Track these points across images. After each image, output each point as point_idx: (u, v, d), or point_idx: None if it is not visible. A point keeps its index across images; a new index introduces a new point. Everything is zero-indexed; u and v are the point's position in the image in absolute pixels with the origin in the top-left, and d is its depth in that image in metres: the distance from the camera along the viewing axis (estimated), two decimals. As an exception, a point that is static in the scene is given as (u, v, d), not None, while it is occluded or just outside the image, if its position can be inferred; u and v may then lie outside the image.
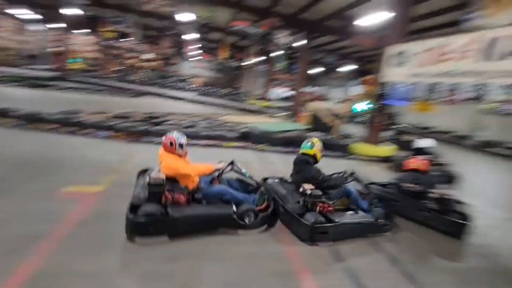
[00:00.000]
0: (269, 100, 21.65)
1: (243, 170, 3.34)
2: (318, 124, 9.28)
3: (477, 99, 14.95)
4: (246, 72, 31.31)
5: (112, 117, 6.86)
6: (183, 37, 21.59)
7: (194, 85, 30.73)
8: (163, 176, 2.73)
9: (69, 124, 5.81)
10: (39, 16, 24.53)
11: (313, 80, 34.36)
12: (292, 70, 26.18)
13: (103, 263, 2.22)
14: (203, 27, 16.81)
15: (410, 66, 6.15)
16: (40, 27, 28.59)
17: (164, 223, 2.60)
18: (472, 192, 5.17)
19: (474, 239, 3.34)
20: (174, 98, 16.89)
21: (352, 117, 15.14)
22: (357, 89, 27.79)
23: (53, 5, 16.31)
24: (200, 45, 26.13)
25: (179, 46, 26.40)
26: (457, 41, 5.05)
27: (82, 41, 30.74)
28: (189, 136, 6.09)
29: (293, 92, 17.50)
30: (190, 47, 22.05)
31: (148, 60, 33.23)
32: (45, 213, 2.81)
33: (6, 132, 5.41)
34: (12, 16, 23.66)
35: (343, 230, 2.98)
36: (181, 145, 2.99)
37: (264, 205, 3.10)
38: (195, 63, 33.84)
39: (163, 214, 2.60)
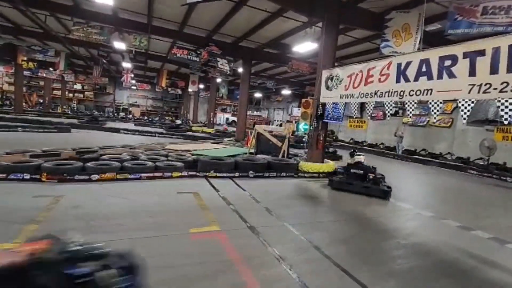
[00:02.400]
0: (214, 126, 21.59)
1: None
2: (263, 147, 9.50)
3: (398, 114, 17.28)
4: (188, 99, 30.98)
5: (33, 156, 5.93)
6: (118, 65, 20.61)
7: (132, 115, 29.12)
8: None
9: (-25, 169, 4.82)
10: None
11: (256, 104, 35.69)
12: (235, 95, 26.85)
13: None
14: (139, 55, 16.34)
15: (340, 88, 6.82)
16: None
17: None
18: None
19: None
20: (112, 129, 15.64)
21: (297, 137, 16.04)
22: (296, 110, 29.76)
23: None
24: (138, 74, 25.20)
25: (114, 75, 25.01)
26: (376, 65, 5.81)
27: (-7, 73, 27.00)
28: (133, 170, 5.68)
29: (236, 117, 17.83)
30: (125, 76, 21.03)
31: (76, 91, 30.58)
32: None
33: None
34: None
35: None
36: None
37: None
38: (132, 92, 32.29)
39: None
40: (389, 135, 17.38)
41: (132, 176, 5.69)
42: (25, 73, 20.89)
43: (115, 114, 28.55)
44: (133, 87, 28.74)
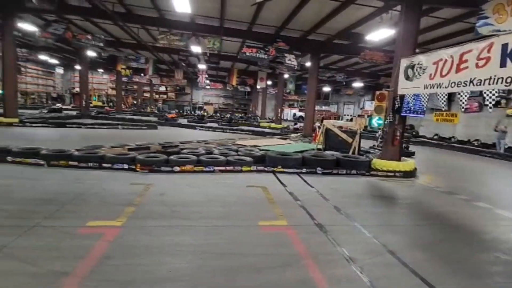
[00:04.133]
0: (282, 121, 21.77)
1: None
2: (332, 143, 9.16)
3: (499, 105, 14.43)
4: (257, 96, 31.92)
5: (130, 150, 7.03)
6: (195, 67, 22.54)
7: (206, 113, 31.52)
8: None
9: (91, 159, 5.97)
10: (61, 61, 26.50)
11: (324, 98, 34.54)
12: (302, 90, 26.49)
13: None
14: (213, 57, 17.51)
15: (424, 77, 6.05)
16: (62, 70, 30.81)
17: None
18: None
19: None
20: (189, 126, 17.28)
21: (370, 133, 15.01)
22: (369, 104, 27.67)
23: (74, 49, 17.53)
24: (211, 74, 27.13)
25: (191, 77, 27.46)
26: (472, 48, 4.95)
27: (100, 80, 32.78)
28: (207, 164, 6.21)
29: (304, 113, 17.57)
30: (201, 77, 22.87)
31: (161, 93, 34.69)
32: (69, 249, 2.80)
33: (35, 171, 5.61)
34: (36, 62, 25.60)
35: None
36: None
37: None
38: (206, 91, 34.99)
39: None
40: (486, 130, 14.69)
41: (206, 169, 6.21)
42: (123, 79, 24.74)
43: (192, 112, 31.35)
44: (207, 87, 31.05)
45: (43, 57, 22.52)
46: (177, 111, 28.51)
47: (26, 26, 11.81)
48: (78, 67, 21.48)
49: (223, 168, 6.33)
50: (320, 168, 6.76)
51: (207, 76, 24.64)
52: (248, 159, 6.76)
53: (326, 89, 30.90)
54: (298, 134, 14.79)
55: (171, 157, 6.28)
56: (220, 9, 10.61)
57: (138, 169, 5.90)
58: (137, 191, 4.66)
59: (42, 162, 5.85)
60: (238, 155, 7.20)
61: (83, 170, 5.78)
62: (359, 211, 4.46)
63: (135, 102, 31.94)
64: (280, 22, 11.60)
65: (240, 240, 3.27)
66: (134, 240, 3.07)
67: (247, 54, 12.38)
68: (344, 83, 23.83)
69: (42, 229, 3.17)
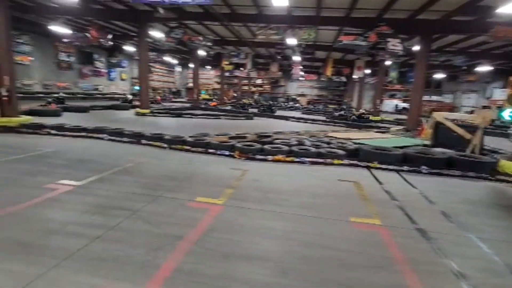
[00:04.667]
0: (380, 113, 19.84)
1: None
2: (443, 139, 7.84)
3: None
4: (353, 86, 29.97)
5: (231, 138, 7.82)
6: (289, 60, 22.81)
7: (300, 104, 31.58)
8: None
9: (200, 145, 6.97)
10: (179, 61, 31.19)
11: (436, 87, 29.51)
12: (407, 79, 23.35)
13: (227, 267, 2.50)
14: (308, 47, 17.32)
15: None
16: (180, 69, 36.30)
17: None
18: None
19: None
20: (282, 117, 17.77)
21: (499, 128, 12.21)
22: (499, 92, 22.14)
23: (189, 50, 20.34)
24: (305, 65, 26.92)
25: (286, 69, 27.94)
26: None
27: (208, 76, 37.04)
28: (298, 155, 6.34)
29: (408, 104, 15.49)
30: (295, 68, 23.00)
31: (258, 85, 36.64)
32: (183, 218, 3.42)
33: (160, 152, 6.97)
34: (160, 62, 30.89)
35: None
36: None
37: None
38: (300, 83, 34.99)
39: None
40: None
41: (297, 160, 6.33)
42: (226, 74, 27.32)
43: (285, 103, 32.00)
44: (301, 78, 30.98)
45: (166, 58, 27.03)
46: (215, 99, 29.25)
47: (155, 33, 14.38)
48: (191, 65, 24.92)
49: (313, 159, 6.33)
50: (425, 167, 5.93)
51: (301, 67, 24.60)
52: (340, 152, 6.54)
53: (438, 76, 26.24)
54: (400, 127, 13.23)
55: (265, 146, 6.68)
56: (317, -3, 10.38)
57: (236, 156, 6.54)
58: (235, 176, 5.20)
59: (165, 145, 7.20)
60: (330, 147, 7.04)
61: (194, 154, 6.82)
62: (476, 221, 3.76)
63: (235, 95, 34.84)
64: (383, 3, 10.49)
65: (328, 233, 3.27)
66: (232, 218, 3.49)
67: (344, 42, 11.75)
68: (465, 67, 19.71)
69: (164, 200, 3.96)
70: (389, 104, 30.34)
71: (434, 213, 4.01)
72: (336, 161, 6.33)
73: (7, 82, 8.68)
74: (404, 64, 20.89)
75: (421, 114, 12.81)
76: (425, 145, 7.94)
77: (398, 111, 28.35)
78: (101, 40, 15.13)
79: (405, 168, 6.04)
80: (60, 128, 8.33)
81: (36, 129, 8.35)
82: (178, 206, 3.76)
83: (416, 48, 12.77)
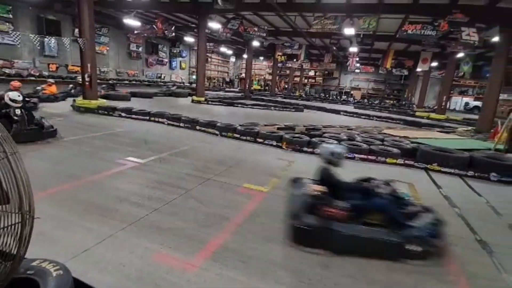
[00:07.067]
0: (445, 111, 17.84)
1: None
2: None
3: None
4: (416, 80, 27.39)
5: (279, 129, 7.89)
6: (345, 51, 21.73)
7: (354, 98, 30.04)
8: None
9: (249, 134, 7.20)
10: (234, 51, 32.01)
11: (520, 84, 25.31)
12: (482, 74, 20.48)
13: (267, 251, 2.64)
14: (366, 38, 16.29)
15: None
16: (234, 59, 37.29)
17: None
18: None
19: None
20: (333, 111, 17.20)
21: None
22: None
23: (244, 41, 20.72)
24: (362, 57, 25.36)
25: (341, 60, 26.70)
26: None
27: (260, 67, 37.36)
28: (348, 150, 6.14)
29: (482, 102, 13.61)
30: (351, 60, 21.82)
31: (310, 77, 35.75)
32: (230, 201, 3.65)
33: (213, 138, 7.39)
34: (216, 53, 32.06)
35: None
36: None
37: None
38: (355, 76, 33.11)
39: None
40: None
41: (347, 155, 6.14)
42: (278, 65, 27.20)
43: (338, 97, 30.71)
44: (356, 71, 29.30)
45: (222, 48, 27.95)
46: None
47: (213, 25, 14.96)
48: (245, 55, 25.37)
49: (364, 156, 6.08)
50: (495, 174, 5.27)
51: (357, 59, 23.23)
52: (394, 150, 6.15)
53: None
54: (469, 128, 11.78)
55: (313, 139, 6.61)
56: (382, -17, 9.64)
57: (284, 147, 6.61)
58: (281, 166, 5.29)
59: (217, 132, 7.60)
60: (383, 145, 6.65)
61: (243, 142, 7.08)
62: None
63: (286, 86, 34.56)
64: (460, -13, 9.28)
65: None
66: (275, 206, 3.59)
67: (409, 32, 10.76)
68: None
69: (213, 182, 4.24)
70: (458, 101, 27.04)
71: (500, 225, 3.60)
72: (389, 160, 5.98)
73: (89, 69, 9.97)
74: (480, 57, 18.30)
75: (497, 115, 11.20)
76: (498, 149, 6.99)
77: (469, 109, 25.15)
78: (165, 31, 16.31)
79: (470, 173, 5.44)
80: (129, 111, 9.33)
81: (110, 111, 9.50)
82: (227, 189, 4.00)
83: (495, 39, 11.08)
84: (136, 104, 11.99)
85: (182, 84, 24.62)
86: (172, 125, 8.53)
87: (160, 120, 8.79)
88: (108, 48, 20.30)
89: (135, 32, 18.29)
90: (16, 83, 7.61)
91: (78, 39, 9.78)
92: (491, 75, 11.57)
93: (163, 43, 26.12)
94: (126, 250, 2.49)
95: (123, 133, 7.11)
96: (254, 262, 2.47)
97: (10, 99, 5.36)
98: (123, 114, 9.29)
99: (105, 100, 11.12)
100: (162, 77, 26.83)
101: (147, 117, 9.01)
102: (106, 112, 9.51)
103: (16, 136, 4.82)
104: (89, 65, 9.95)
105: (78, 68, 13.08)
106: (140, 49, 23.48)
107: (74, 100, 10.48)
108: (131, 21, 16.05)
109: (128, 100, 13.76)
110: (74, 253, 2.38)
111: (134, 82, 22.74)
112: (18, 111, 5.43)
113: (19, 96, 5.50)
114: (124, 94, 14.42)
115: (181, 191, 3.82)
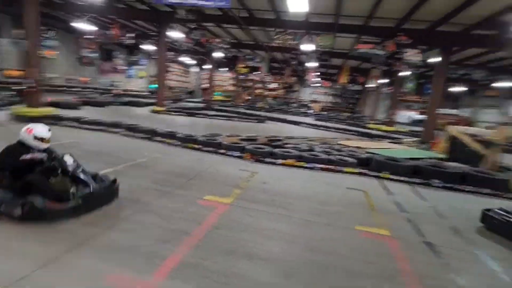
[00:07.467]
0: (394, 124, 19.50)
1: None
2: (459, 153, 7.67)
3: None
4: (367, 95, 29.64)
5: (241, 140, 7.89)
6: (304, 66, 22.80)
7: (313, 110, 31.41)
8: None
9: (211, 144, 7.06)
10: (195, 61, 31.67)
11: (454, 101, 28.76)
12: (423, 90, 22.92)
13: (229, 265, 2.55)
14: (324, 54, 17.30)
15: None
16: (195, 69, 36.80)
17: None
18: None
19: None
20: (294, 122, 17.75)
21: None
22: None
23: (205, 52, 20.64)
24: (320, 72, 26.82)
25: (300, 75, 27.92)
26: None
27: (222, 78, 37.43)
28: (308, 160, 6.33)
29: (425, 115, 15.17)
30: (310, 75, 22.96)
31: (271, 90, 36.71)
32: (189, 214, 3.49)
33: (172, 149, 7.11)
34: (177, 62, 31.41)
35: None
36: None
37: None
38: (314, 89, 34.83)
39: None
40: None
41: (307, 165, 6.33)
42: (241, 77, 27.54)
43: (299, 109, 31.84)
44: (317, 85, 30.80)
45: (184, 58, 27.49)
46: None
47: (174, 34, 14.70)
48: (207, 66, 25.25)
49: (324, 166, 6.32)
50: (438, 181, 5.82)
51: (317, 73, 24.53)
52: (350, 160, 6.50)
53: (457, 89, 25.57)
54: (415, 139, 12.98)
55: (275, 150, 6.72)
56: (335, 5, 10.37)
57: (246, 158, 6.60)
58: (244, 177, 5.26)
59: (177, 142, 7.34)
60: (341, 155, 7.00)
61: (204, 153, 6.91)
62: (487, 239, 3.67)
63: (249, 97, 34.98)
64: (403, 13, 10.39)
65: (335, 240, 3.26)
66: (238, 217, 3.53)
67: (360, 50, 11.68)
68: (487, 81, 19.15)
69: (174, 196, 4.05)
70: (404, 115, 29.77)
71: (443, 227, 3.93)
72: (346, 169, 6.29)
73: (34, 74, 9.05)
74: (422, 75, 20.54)
75: (437, 127, 12.53)
76: (440, 159, 7.78)
77: (414, 122, 27.78)
78: (122, 38, 15.59)
79: (417, 180, 5.94)
80: (78, 120, 8.62)
81: (56, 120, 8.68)
82: (187, 203, 3.84)
83: (435, 60, 12.56)
84: (88, 113, 11.14)
85: (138, 93, 23.51)
86: (129, 135, 8.06)
87: (115, 130, 8.25)
88: (56, 52, 18.74)
89: (86, 37, 17.13)
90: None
91: (20, 40, 8.90)
92: (432, 92, 12.97)
93: (120, 50, 24.91)
94: (75, 273, 2.23)
95: (73, 144, 6.52)
96: (215, 277, 2.37)
97: (36, 138, 3.33)
98: (71, 124, 8.55)
99: (52, 108, 10.16)
100: (116, 85, 25.40)
101: (101, 127, 8.40)
102: (52, 122, 8.67)
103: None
104: (34, 70, 9.06)
105: (18, 73, 11.83)
106: (93, 55, 22.04)
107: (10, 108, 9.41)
108: (84, 26, 15.09)
109: (77, 109, 12.73)
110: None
111: (86, 89, 21.15)
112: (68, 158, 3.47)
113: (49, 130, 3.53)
114: (75, 102, 13.34)
115: (138, 206, 3.57)
